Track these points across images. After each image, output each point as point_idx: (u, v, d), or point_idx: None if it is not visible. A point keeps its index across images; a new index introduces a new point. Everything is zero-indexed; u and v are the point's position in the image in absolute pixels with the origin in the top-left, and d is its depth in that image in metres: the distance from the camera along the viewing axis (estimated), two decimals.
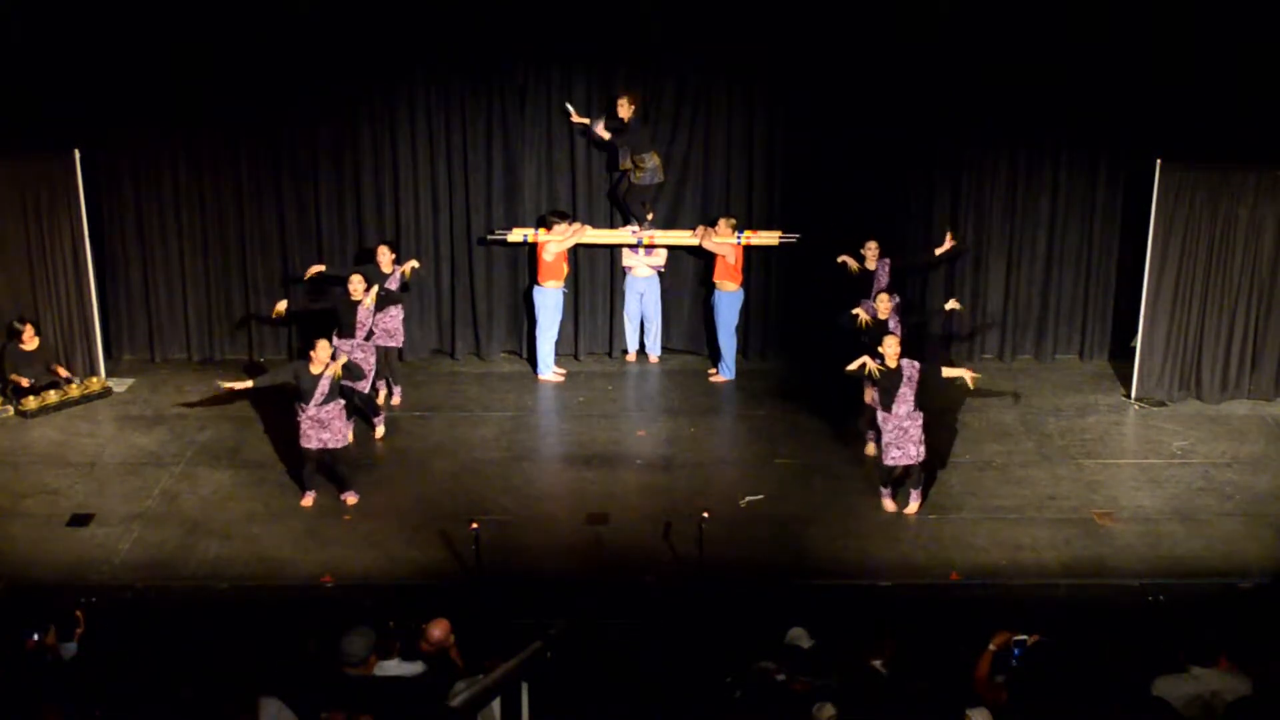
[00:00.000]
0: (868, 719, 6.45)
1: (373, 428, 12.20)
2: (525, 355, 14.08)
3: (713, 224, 13.38)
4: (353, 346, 11.86)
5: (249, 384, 11.23)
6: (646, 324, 14.00)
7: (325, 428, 10.79)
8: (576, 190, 13.69)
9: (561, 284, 13.42)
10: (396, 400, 12.95)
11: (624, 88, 13.15)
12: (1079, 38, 12.95)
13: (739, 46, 13.18)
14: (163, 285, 13.87)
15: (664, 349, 14.10)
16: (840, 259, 12.77)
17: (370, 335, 12.17)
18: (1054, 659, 6.78)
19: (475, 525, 9.69)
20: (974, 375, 11.08)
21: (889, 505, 10.95)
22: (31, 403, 12.56)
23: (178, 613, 9.42)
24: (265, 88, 13.21)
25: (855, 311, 12.09)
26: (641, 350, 14.13)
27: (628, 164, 13.19)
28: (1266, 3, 12.53)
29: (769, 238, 13.54)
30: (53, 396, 12.73)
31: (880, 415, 10.76)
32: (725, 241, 13.22)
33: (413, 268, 12.73)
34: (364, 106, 13.39)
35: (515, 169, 13.59)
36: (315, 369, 10.72)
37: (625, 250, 13.77)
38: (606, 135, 13.16)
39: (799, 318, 13.90)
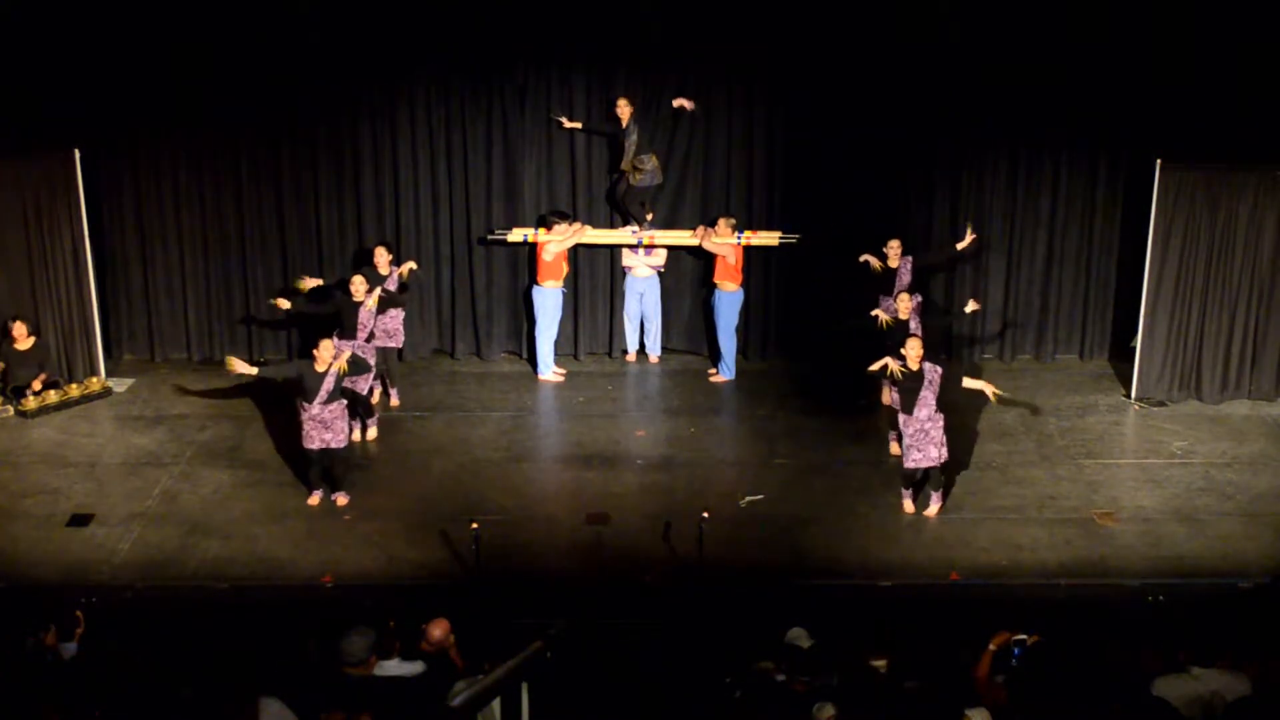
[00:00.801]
0: (868, 719, 6.45)
1: (364, 429, 12.17)
2: (525, 355, 14.08)
3: (713, 224, 13.38)
4: (353, 347, 11.85)
5: (253, 370, 11.20)
6: (646, 324, 14.00)
7: (328, 428, 10.79)
8: (576, 190, 13.69)
9: (561, 284, 13.42)
10: (395, 401, 12.95)
11: (623, 88, 13.17)
12: (1079, 38, 12.95)
13: (739, 46, 13.18)
14: (163, 285, 13.87)
15: (664, 349, 14.10)
16: (863, 258, 12.75)
17: (371, 337, 12.17)
18: (1054, 659, 6.79)
19: (475, 525, 9.69)
20: (996, 391, 10.93)
21: (909, 507, 10.93)
22: (31, 403, 12.56)
23: (178, 613, 9.41)
24: (265, 88, 13.21)
25: (875, 312, 12.11)
26: (641, 350, 14.12)
27: (627, 165, 13.20)
28: (1266, 3, 12.53)
29: (769, 238, 13.54)
30: (53, 396, 12.73)
31: (901, 418, 10.73)
32: (725, 242, 13.22)
33: (410, 269, 12.73)
34: (364, 106, 13.39)
35: (515, 169, 13.59)
36: (320, 368, 10.73)
37: (625, 250, 13.77)
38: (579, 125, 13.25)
39: (799, 318, 13.90)
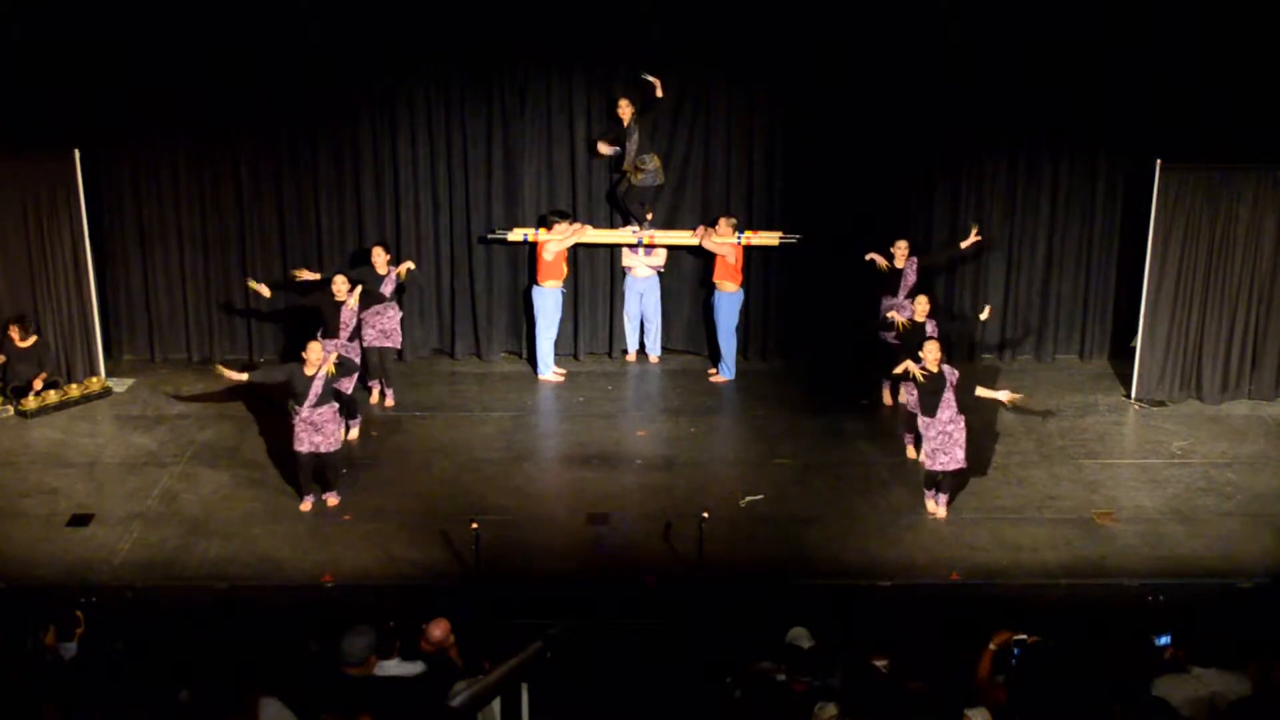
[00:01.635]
0: (868, 719, 6.45)
1: (347, 429, 12.12)
2: (525, 355, 14.08)
3: (713, 224, 13.38)
4: (337, 347, 11.82)
5: (244, 377, 11.21)
6: (646, 324, 14.00)
7: (318, 431, 10.77)
8: (576, 190, 13.69)
9: (561, 284, 13.42)
10: (390, 402, 12.94)
11: (623, 88, 13.17)
12: (1079, 38, 12.95)
13: (739, 46, 13.18)
14: (163, 285, 13.88)
15: (664, 349, 14.10)
16: (869, 256, 12.76)
17: (355, 336, 12.15)
18: (1053, 659, 6.78)
19: (475, 525, 9.69)
20: (1013, 396, 10.92)
21: (932, 508, 10.91)
22: (31, 403, 12.56)
23: (177, 613, 9.41)
24: (265, 88, 13.21)
25: (890, 314, 12.10)
26: (641, 350, 14.12)
27: (628, 165, 13.20)
28: (1266, 3, 12.53)
29: (769, 238, 13.54)
30: (53, 396, 12.73)
31: (922, 421, 10.70)
32: (725, 241, 13.22)
33: (408, 269, 12.73)
34: (364, 106, 13.39)
35: (515, 169, 13.59)
36: (309, 371, 10.72)
37: (625, 250, 13.77)
38: (608, 151, 13.21)
39: (799, 318, 13.91)
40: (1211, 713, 6.33)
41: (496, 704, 6.67)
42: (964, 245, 12.93)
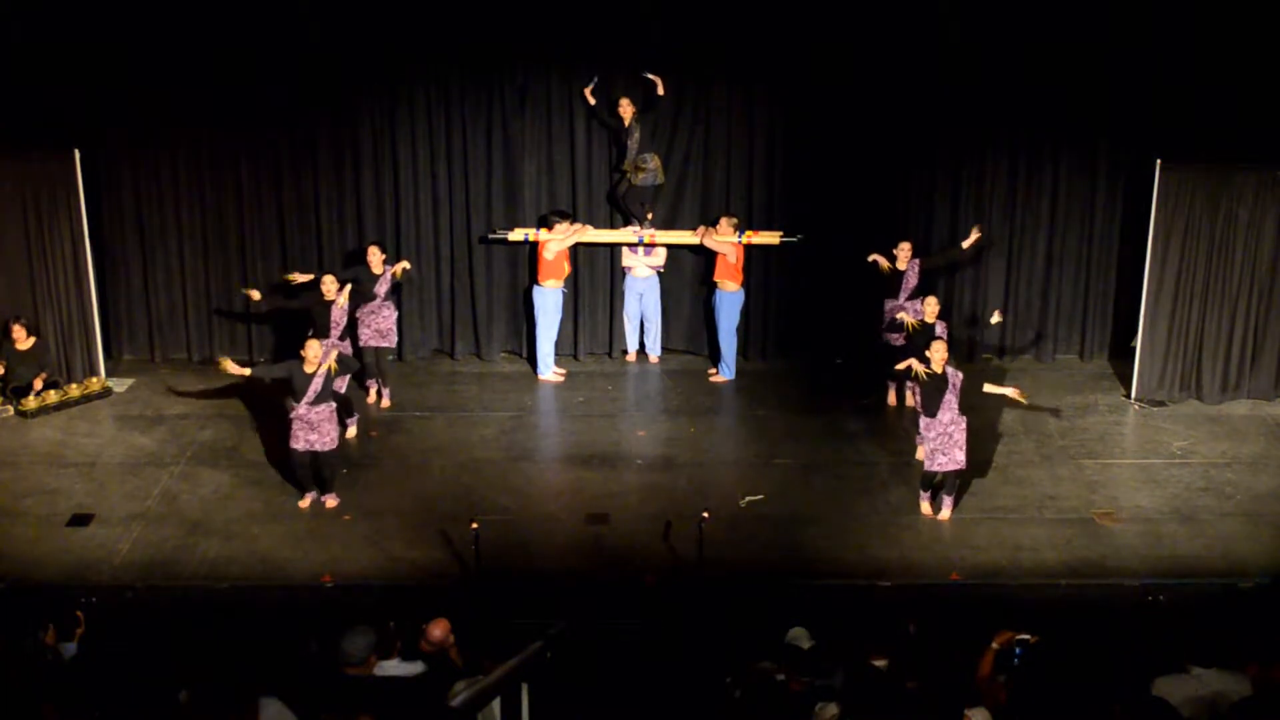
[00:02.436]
0: (868, 719, 6.45)
1: (343, 428, 12.10)
2: (525, 355, 14.08)
3: (714, 223, 13.38)
4: (330, 346, 11.80)
5: (245, 371, 11.20)
6: (646, 324, 14.00)
7: (314, 429, 10.76)
8: (576, 190, 13.69)
9: (561, 284, 13.42)
10: (386, 403, 12.94)
11: (623, 88, 13.17)
12: (1079, 38, 12.95)
13: (739, 46, 13.18)
14: (163, 285, 13.88)
15: (664, 349, 14.10)
16: (871, 258, 12.75)
17: (346, 335, 12.14)
18: (1051, 659, 6.78)
19: (475, 525, 9.69)
20: (1020, 393, 10.87)
21: (926, 509, 10.92)
22: (31, 403, 12.57)
23: (178, 613, 9.41)
24: (265, 88, 13.21)
25: (900, 315, 12.10)
26: (641, 350, 14.13)
27: (629, 165, 13.20)
28: (1266, 3, 12.53)
29: (769, 238, 13.54)
30: (53, 396, 12.73)
31: (923, 421, 10.71)
32: (726, 241, 13.22)
33: (404, 269, 12.73)
34: (364, 106, 13.39)
35: (515, 169, 13.59)
36: (309, 368, 10.72)
37: (625, 250, 13.77)
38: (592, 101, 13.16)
39: (800, 318, 13.91)
40: (1211, 713, 6.33)
41: (496, 704, 6.67)
42: (965, 245, 12.92)
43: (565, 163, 13.64)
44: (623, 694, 8.03)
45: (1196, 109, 12.89)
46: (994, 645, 7.06)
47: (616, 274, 13.95)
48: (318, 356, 10.72)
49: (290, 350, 11.73)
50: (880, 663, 7.30)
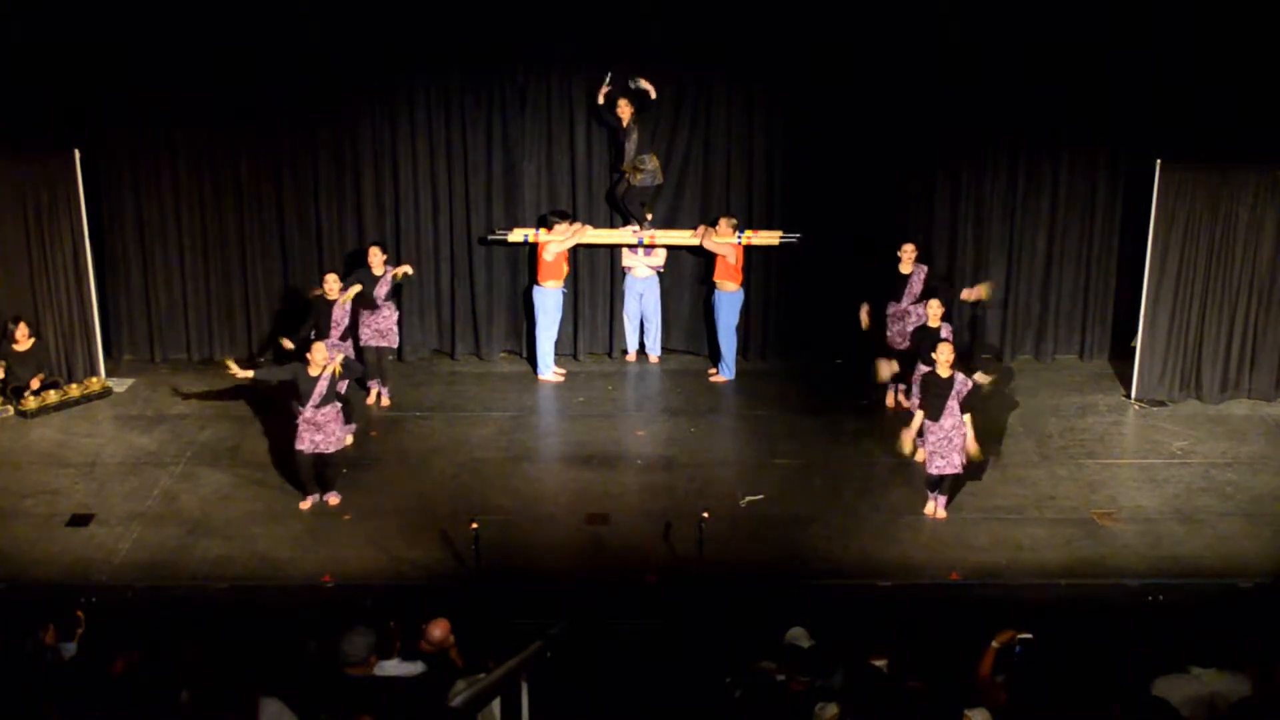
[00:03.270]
0: (868, 719, 6.45)
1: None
2: (525, 355, 14.08)
3: (713, 224, 13.38)
4: (331, 346, 11.78)
5: (250, 374, 11.21)
6: (646, 324, 14.00)
7: (320, 430, 10.77)
8: (576, 190, 13.69)
9: (561, 284, 13.42)
10: (385, 402, 12.94)
11: (623, 88, 13.17)
12: (1079, 38, 12.95)
13: (739, 46, 13.18)
14: (163, 285, 13.87)
15: (664, 349, 14.10)
16: (862, 313, 12.60)
17: (348, 335, 12.12)
18: (1051, 659, 6.78)
19: (475, 525, 9.69)
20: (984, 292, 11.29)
21: (931, 510, 10.91)
22: (31, 403, 12.56)
23: (178, 613, 9.41)
24: (265, 87, 13.21)
25: (879, 363, 12.08)
26: (641, 350, 14.12)
27: (627, 166, 13.20)
28: (1267, 3, 12.53)
29: (769, 238, 13.54)
30: (53, 396, 12.73)
31: (926, 424, 10.69)
32: (726, 241, 13.22)
33: (405, 272, 12.69)
34: (364, 107, 13.39)
35: (515, 169, 13.59)
36: (314, 371, 10.72)
37: (625, 250, 13.77)
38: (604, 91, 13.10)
39: (800, 318, 13.91)
40: (1211, 713, 6.33)
41: (496, 704, 6.67)
42: (966, 296, 12.62)
43: (565, 163, 13.64)
44: (623, 694, 8.03)
45: (1196, 109, 12.88)
46: (994, 644, 7.07)
47: (616, 274, 13.95)
48: (324, 359, 10.73)
49: (295, 350, 11.74)
50: (880, 663, 7.31)
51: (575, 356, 14.13)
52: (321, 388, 10.69)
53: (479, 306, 13.97)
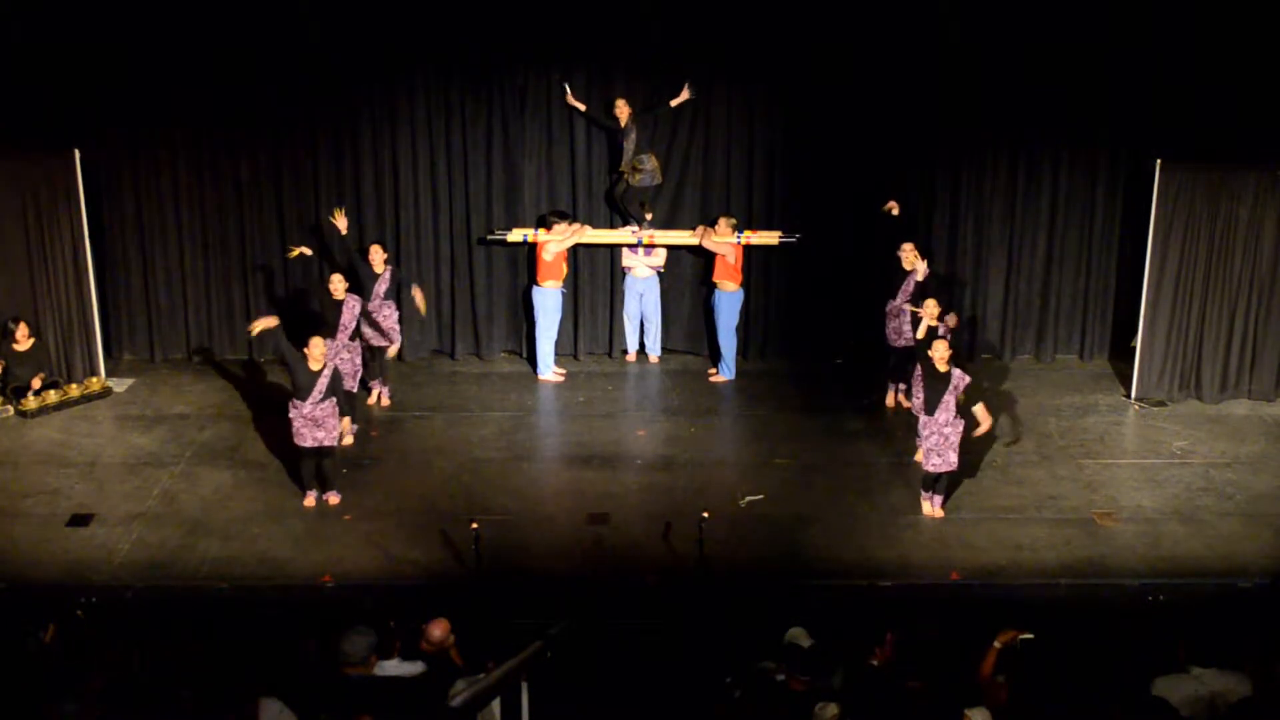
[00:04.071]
0: (868, 719, 6.45)
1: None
2: (525, 355, 14.08)
3: (713, 224, 13.38)
4: (337, 347, 11.79)
5: (274, 320, 10.99)
6: (646, 324, 14.01)
7: (320, 426, 10.76)
8: (576, 190, 13.70)
9: (561, 284, 13.42)
10: (385, 401, 12.94)
11: (623, 88, 13.18)
12: (1079, 38, 12.95)
13: (739, 46, 13.18)
14: (163, 285, 13.88)
15: (664, 349, 14.10)
16: (886, 206, 12.65)
17: (355, 336, 12.12)
18: (1053, 659, 6.78)
19: (475, 525, 9.69)
20: (986, 428, 10.85)
21: (928, 510, 10.92)
22: (31, 403, 12.56)
23: (178, 613, 9.41)
24: (265, 88, 13.21)
25: (911, 308, 12.05)
26: (641, 350, 14.13)
27: (626, 166, 13.21)
28: (1267, 3, 12.53)
29: (769, 238, 13.54)
30: (53, 396, 12.73)
31: (921, 419, 10.72)
32: (725, 241, 13.23)
33: (418, 299, 12.47)
34: (364, 107, 13.40)
35: (515, 169, 13.60)
36: (314, 366, 10.72)
37: (625, 250, 13.77)
38: (581, 106, 13.21)
39: (800, 318, 13.91)
40: (1211, 713, 6.34)
41: (496, 704, 6.67)
42: (949, 323, 12.41)
43: (565, 163, 13.64)
44: (623, 694, 8.03)
45: (1196, 109, 12.89)
46: (996, 644, 7.07)
47: (616, 274, 13.95)
48: (323, 355, 10.72)
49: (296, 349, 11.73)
50: (879, 663, 7.31)
51: (575, 356, 14.14)
52: (322, 384, 10.68)
53: (479, 306, 13.97)
